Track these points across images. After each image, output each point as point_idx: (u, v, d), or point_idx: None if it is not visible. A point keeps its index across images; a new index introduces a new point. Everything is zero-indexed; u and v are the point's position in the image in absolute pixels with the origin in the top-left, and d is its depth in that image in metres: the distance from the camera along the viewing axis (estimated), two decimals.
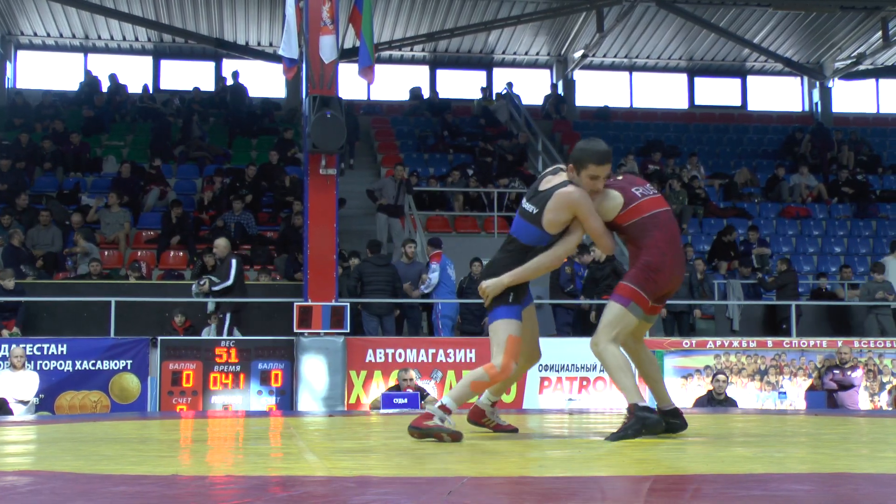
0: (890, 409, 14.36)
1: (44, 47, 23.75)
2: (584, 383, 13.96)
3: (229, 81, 23.02)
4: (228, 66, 24.21)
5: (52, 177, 19.31)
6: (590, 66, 25.36)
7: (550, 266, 5.87)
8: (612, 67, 25.87)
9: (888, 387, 14.78)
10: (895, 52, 24.84)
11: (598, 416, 7.70)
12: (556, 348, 14.13)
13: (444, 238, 16.39)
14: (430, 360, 13.69)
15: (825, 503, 3.25)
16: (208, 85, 23.81)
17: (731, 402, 13.17)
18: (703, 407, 12.62)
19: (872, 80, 26.61)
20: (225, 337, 13.75)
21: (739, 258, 17.93)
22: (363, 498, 3.32)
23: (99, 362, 13.23)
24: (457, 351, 13.78)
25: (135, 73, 23.81)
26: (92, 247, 16.25)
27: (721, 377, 13.23)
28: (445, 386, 13.45)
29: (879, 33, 22.89)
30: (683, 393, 14.20)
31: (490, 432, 6.15)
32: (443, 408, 5.56)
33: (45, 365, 13.07)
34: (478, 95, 24.44)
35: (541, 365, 13.81)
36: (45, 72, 23.87)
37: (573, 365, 13.98)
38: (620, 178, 6.00)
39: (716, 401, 12.90)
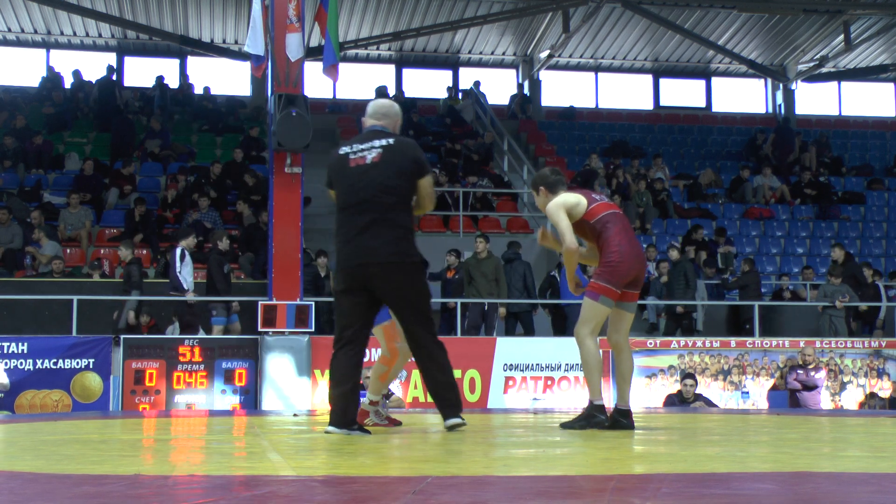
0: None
1: (4, 42, 23.48)
2: (549, 383, 13.98)
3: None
4: (193, 63, 24.08)
5: (13, 174, 19.10)
6: (555, 67, 25.43)
7: None
8: (578, 68, 25.95)
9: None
10: (857, 55, 25.08)
11: (563, 416, 7.70)
12: (521, 348, 14.17)
13: None
14: None
15: (787, 502, 3.28)
16: (173, 82, 23.66)
17: (707, 402, 13.05)
18: (672, 406, 12.63)
19: (835, 83, 26.85)
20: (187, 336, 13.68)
21: (707, 256, 18.02)
22: (328, 497, 3.30)
23: (60, 361, 13.09)
24: None
25: (98, 70, 23.58)
26: (55, 245, 16.06)
27: (689, 381, 12.98)
28: (410, 385, 13.44)
29: (841, 36, 23.08)
30: (648, 392, 14.28)
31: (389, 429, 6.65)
32: (372, 403, 6.78)
33: (6, 364, 12.91)
34: (443, 95, 24.43)
35: (505, 364, 13.86)
36: (5, 67, 23.59)
37: (538, 364, 14.00)
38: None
39: (688, 401, 12.78)
